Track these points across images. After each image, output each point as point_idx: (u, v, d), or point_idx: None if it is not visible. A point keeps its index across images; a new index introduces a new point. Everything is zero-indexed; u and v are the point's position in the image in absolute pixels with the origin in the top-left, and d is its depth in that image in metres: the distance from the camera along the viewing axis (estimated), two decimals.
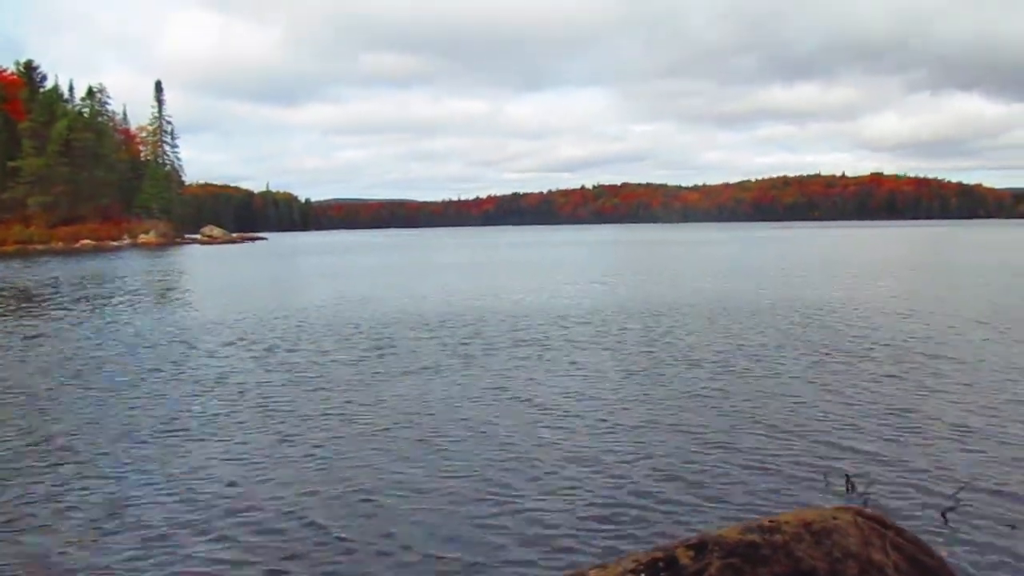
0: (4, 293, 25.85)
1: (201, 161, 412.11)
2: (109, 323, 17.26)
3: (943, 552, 4.75)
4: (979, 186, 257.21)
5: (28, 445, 7.66)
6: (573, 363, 11.58)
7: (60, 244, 75.90)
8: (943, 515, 5.52)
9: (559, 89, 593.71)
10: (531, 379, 10.45)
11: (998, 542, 5.13)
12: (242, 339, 14.37)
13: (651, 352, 12.43)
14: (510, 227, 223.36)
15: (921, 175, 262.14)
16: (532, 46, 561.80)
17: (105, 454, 7.33)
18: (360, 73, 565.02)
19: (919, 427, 7.78)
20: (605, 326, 15.43)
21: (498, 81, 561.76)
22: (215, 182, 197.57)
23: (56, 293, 25.19)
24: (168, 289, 27.45)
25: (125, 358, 12.63)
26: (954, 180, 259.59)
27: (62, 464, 7.04)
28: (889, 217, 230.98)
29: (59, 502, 6.12)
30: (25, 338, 15.06)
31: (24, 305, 21.72)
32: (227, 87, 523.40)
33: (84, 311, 19.69)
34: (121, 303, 21.72)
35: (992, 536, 5.22)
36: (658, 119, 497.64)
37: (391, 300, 21.14)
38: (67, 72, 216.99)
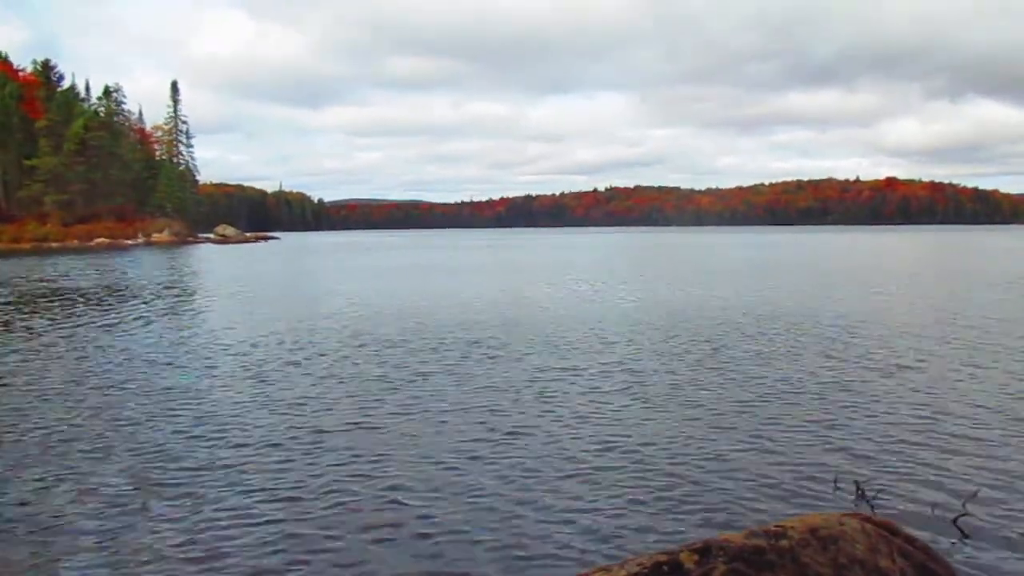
0: (27, 293, 26.07)
1: (226, 161, 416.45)
2: (115, 326, 17.38)
3: (953, 560, 4.69)
4: (995, 191, 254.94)
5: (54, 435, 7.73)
6: (586, 367, 11.53)
7: (76, 242, 76.64)
8: (954, 522, 5.45)
9: (580, 93, 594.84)
10: (549, 378, 10.43)
11: (1010, 550, 5.05)
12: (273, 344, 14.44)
13: (660, 356, 12.36)
14: (521, 229, 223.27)
15: (937, 180, 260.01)
16: (556, 51, 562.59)
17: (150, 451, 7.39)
18: (385, 76, 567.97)
19: (932, 434, 7.69)
20: (616, 329, 15.38)
21: (520, 85, 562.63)
22: (238, 182, 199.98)
23: (101, 291, 25.40)
24: (176, 288, 27.61)
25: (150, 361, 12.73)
26: (970, 185, 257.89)
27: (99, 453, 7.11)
28: (903, 222, 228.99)
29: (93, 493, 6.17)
30: (52, 339, 15.19)
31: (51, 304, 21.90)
32: (254, 89, 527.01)
33: (95, 311, 19.84)
34: (137, 304, 21.89)
35: (1004, 544, 5.14)
36: (676, 124, 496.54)
37: (403, 306, 21.15)
38: (100, 74, 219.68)
